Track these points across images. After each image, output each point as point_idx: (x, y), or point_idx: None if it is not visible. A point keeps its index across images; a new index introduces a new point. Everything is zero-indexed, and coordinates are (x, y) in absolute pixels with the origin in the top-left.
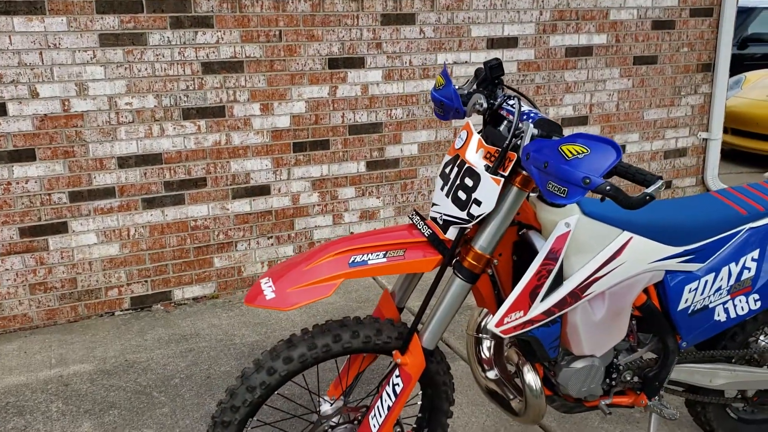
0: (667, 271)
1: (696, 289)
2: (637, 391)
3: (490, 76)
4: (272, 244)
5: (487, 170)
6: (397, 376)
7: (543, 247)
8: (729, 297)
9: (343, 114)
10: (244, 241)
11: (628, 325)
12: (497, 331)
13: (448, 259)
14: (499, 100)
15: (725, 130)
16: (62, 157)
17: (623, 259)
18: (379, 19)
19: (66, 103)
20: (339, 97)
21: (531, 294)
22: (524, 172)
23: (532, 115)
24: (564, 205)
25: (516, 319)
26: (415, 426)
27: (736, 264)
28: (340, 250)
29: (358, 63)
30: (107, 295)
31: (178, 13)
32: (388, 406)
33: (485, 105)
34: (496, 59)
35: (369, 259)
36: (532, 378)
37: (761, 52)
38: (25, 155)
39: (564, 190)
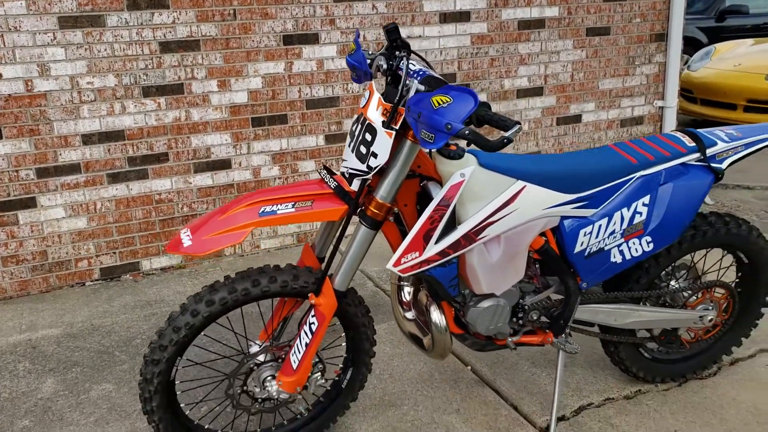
0: (563, 217)
1: (590, 233)
2: (545, 330)
3: (388, 39)
4: None
5: (382, 125)
6: (312, 316)
7: (437, 195)
8: (623, 240)
9: (300, 89)
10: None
11: (525, 266)
12: (395, 270)
13: (353, 208)
14: (396, 61)
15: (695, 101)
16: (28, 135)
17: (516, 206)
18: None
19: (29, 83)
20: (295, 73)
21: (425, 236)
22: None
23: (421, 73)
24: (431, 151)
25: (412, 259)
26: (341, 366)
27: (628, 209)
28: (251, 201)
29: (312, 39)
30: (77, 266)
31: None
32: (306, 343)
33: (385, 66)
34: (393, 23)
35: (278, 209)
36: (437, 316)
37: (738, 24)
38: None
39: (432, 136)
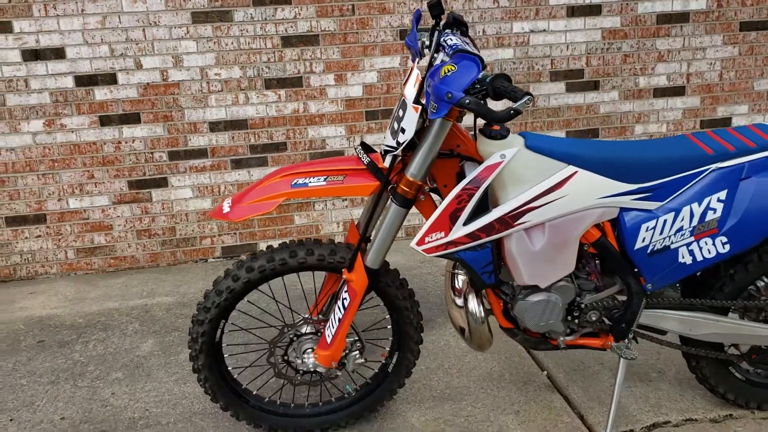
0: (623, 209)
1: (654, 228)
2: (607, 334)
3: (432, 16)
4: (346, 206)
5: (412, 101)
6: (345, 292)
7: (469, 174)
8: (693, 238)
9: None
10: (321, 202)
11: (575, 260)
12: (419, 249)
13: (384, 184)
14: (435, 36)
15: None
16: (162, 120)
17: (564, 192)
18: None
19: (165, 73)
20: (410, 67)
21: (451, 216)
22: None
23: (454, 47)
24: (476, 130)
25: (437, 239)
26: (388, 349)
27: (699, 204)
28: (288, 173)
29: None
30: (201, 243)
31: None
32: (339, 318)
33: (427, 42)
34: (437, 0)
35: (310, 182)
36: (473, 305)
37: None
38: (132, 119)
39: (435, 106)
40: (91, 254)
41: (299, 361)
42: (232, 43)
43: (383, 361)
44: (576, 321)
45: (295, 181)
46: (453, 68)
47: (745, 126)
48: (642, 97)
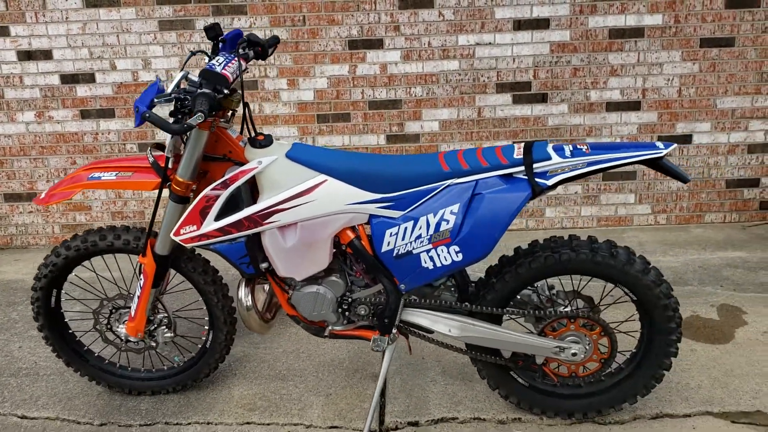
0: (373, 216)
1: (396, 234)
2: (374, 328)
3: (208, 38)
4: None
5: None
6: (140, 274)
7: (224, 175)
8: (431, 246)
9: (363, 90)
10: None
11: (327, 258)
12: (177, 239)
13: (163, 182)
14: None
15: None
16: (133, 116)
17: (313, 197)
18: (397, 4)
19: (135, 74)
20: (359, 75)
21: (201, 212)
22: None
23: (208, 66)
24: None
25: (191, 232)
26: (207, 328)
27: (434, 215)
28: (91, 166)
29: (376, 44)
30: None
31: (218, 2)
32: (138, 295)
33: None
34: (214, 23)
35: (103, 176)
36: (242, 294)
37: None
38: (108, 113)
39: (134, 117)
40: (73, 230)
41: (118, 330)
42: (194, 48)
43: (203, 338)
44: (347, 314)
45: (92, 174)
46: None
47: (492, 147)
48: (593, 111)
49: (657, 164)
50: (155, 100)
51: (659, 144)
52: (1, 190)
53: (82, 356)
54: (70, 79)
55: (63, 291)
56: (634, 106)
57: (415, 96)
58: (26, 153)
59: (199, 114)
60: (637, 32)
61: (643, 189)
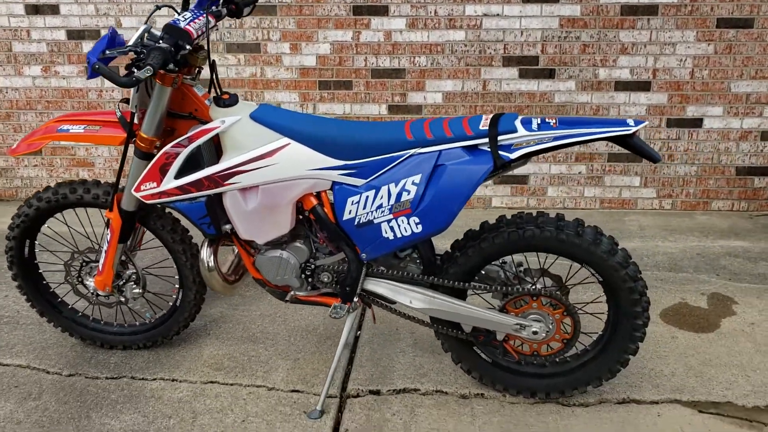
0: (335, 183)
1: (358, 202)
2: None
3: None
4: None
5: None
6: (107, 228)
7: (188, 133)
8: (392, 216)
9: (366, 58)
10: None
11: (289, 222)
12: (137, 195)
13: (128, 137)
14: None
15: None
16: None
17: (275, 160)
18: None
19: None
20: (362, 42)
21: (161, 170)
22: (162, 71)
23: (173, 21)
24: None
25: (150, 188)
26: (177, 286)
27: (396, 185)
28: (60, 118)
29: (381, 11)
30: None
31: None
32: (105, 250)
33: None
34: None
35: (71, 129)
36: (204, 254)
37: None
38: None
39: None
40: None
41: (88, 284)
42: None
43: (173, 296)
44: (310, 280)
45: (61, 126)
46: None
47: (460, 116)
48: (601, 89)
49: (626, 142)
50: (107, 51)
51: (630, 121)
52: (8, 143)
53: (55, 307)
54: (76, 34)
55: (37, 242)
56: (644, 86)
57: (419, 66)
58: (32, 107)
59: (148, 67)
60: (650, 9)
61: (649, 172)
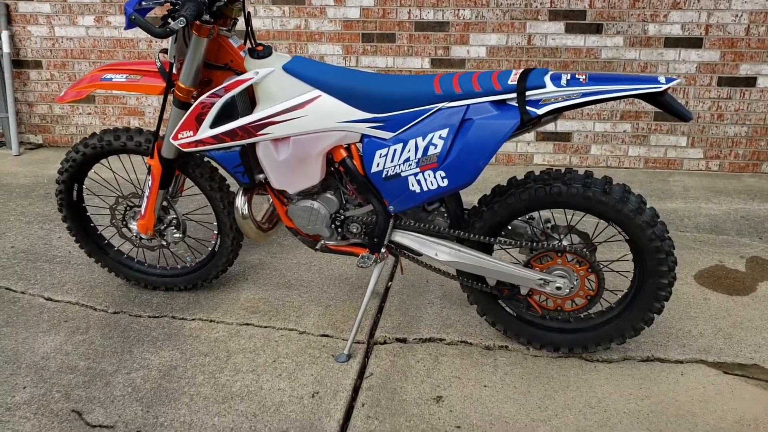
0: (365, 135)
1: (386, 155)
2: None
3: None
4: None
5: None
6: (149, 174)
7: (222, 84)
8: (419, 170)
9: (410, 10)
10: None
11: (319, 173)
12: (175, 143)
13: (168, 86)
14: None
15: None
16: None
17: (306, 112)
18: None
19: None
20: None
21: (197, 119)
22: (198, 21)
23: None
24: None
25: (187, 137)
26: (216, 232)
27: (423, 138)
28: (105, 67)
29: None
30: None
31: None
32: (146, 195)
33: None
34: None
35: (114, 78)
36: (239, 201)
37: None
38: None
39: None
40: None
41: (131, 227)
42: None
43: (212, 242)
44: (340, 230)
45: (104, 75)
46: None
47: (491, 71)
48: (650, 46)
49: (657, 100)
50: (144, 2)
51: (661, 78)
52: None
53: (102, 249)
54: None
55: (85, 187)
56: (696, 42)
57: (464, 19)
58: (86, 56)
59: (181, 18)
60: None
61: (696, 132)
